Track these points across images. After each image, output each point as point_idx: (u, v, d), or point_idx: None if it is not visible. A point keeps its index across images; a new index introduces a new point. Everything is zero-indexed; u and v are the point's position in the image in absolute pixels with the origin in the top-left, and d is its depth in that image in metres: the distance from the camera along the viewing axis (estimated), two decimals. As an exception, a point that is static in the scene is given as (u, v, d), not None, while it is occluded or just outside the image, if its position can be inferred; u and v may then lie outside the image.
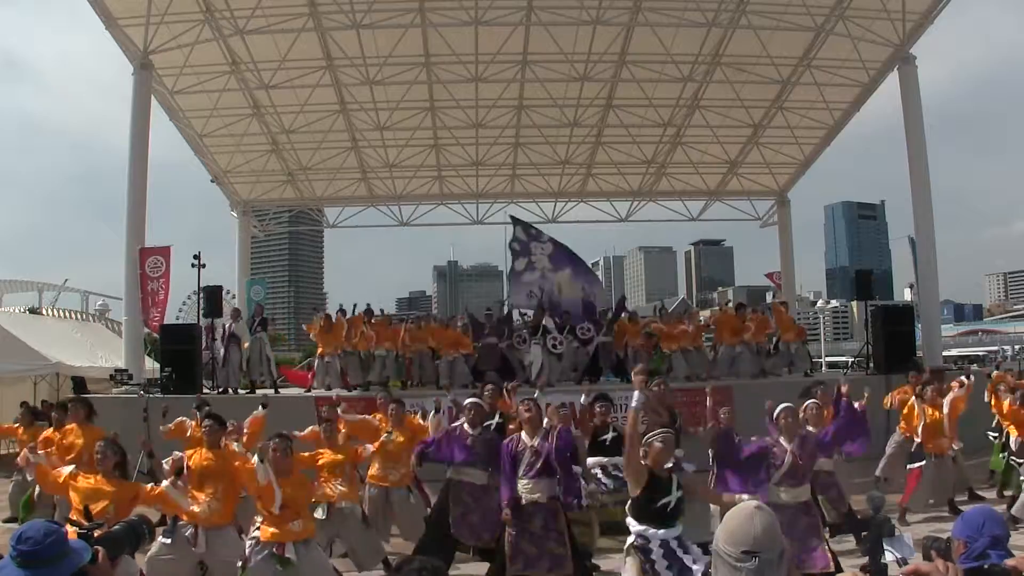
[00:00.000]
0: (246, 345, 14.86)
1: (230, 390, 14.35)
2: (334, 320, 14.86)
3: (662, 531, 4.56)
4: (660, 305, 18.62)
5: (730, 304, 19.08)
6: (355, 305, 15.04)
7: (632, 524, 4.68)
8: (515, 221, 18.33)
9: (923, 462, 9.10)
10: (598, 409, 8.13)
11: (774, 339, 15.50)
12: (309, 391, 14.55)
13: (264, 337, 15.05)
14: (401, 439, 7.70)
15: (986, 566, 2.23)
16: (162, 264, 15.24)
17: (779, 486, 5.79)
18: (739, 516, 2.19)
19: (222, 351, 14.57)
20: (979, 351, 59.06)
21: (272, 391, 14.53)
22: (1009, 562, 2.49)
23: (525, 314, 16.19)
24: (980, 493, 9.96)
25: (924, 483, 9.07)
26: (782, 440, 5.90)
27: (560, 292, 16.71)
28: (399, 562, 2.54)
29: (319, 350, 14.71)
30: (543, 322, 14.89)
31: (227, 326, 14.78)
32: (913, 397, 9.70)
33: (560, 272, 17.08)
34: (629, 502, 4.77)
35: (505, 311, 16.46)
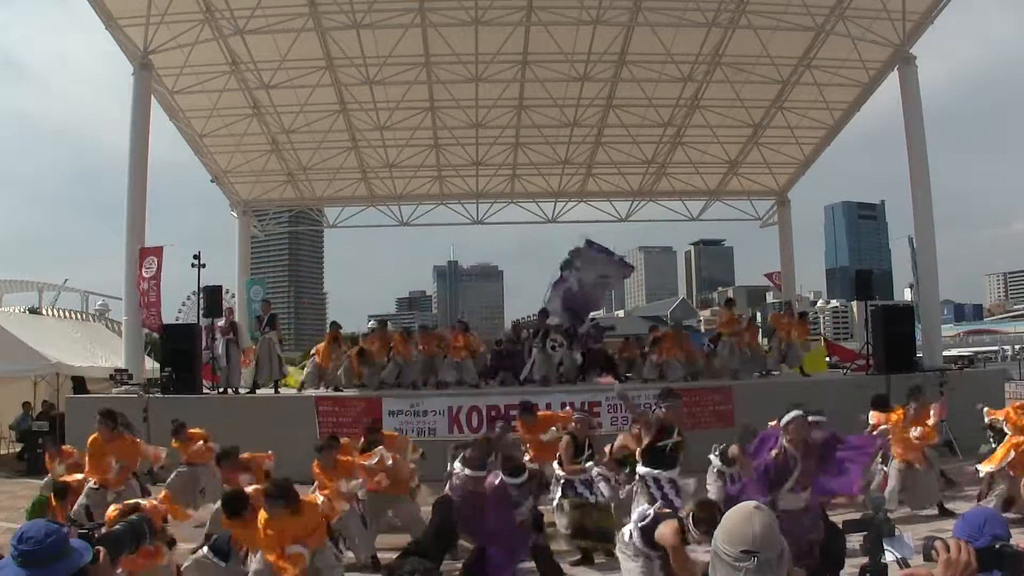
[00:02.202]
0: (252, 346, 14.89)
1: (230, 390, 14.37)
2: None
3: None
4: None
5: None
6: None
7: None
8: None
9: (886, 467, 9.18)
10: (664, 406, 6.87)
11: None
12: (300, 390, 14.61)
13: (273, 337, 14.91)
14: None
15: (997, 546, 2.23)
16: (154, 264, 15.12)
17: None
18: (738, 516, 2.19)
19: (221, 350, 14.57)
20: (979, 351, 58.92)
21: (273, 391, 14.54)
22: (1022, 542, 2.49)
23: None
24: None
25: (892, 484, 9.04)
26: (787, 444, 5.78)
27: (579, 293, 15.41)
28: (391, 563, 2.54)
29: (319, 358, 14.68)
30: (547, 323, 14.75)
31: (221, 325, 14.80)
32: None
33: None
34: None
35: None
